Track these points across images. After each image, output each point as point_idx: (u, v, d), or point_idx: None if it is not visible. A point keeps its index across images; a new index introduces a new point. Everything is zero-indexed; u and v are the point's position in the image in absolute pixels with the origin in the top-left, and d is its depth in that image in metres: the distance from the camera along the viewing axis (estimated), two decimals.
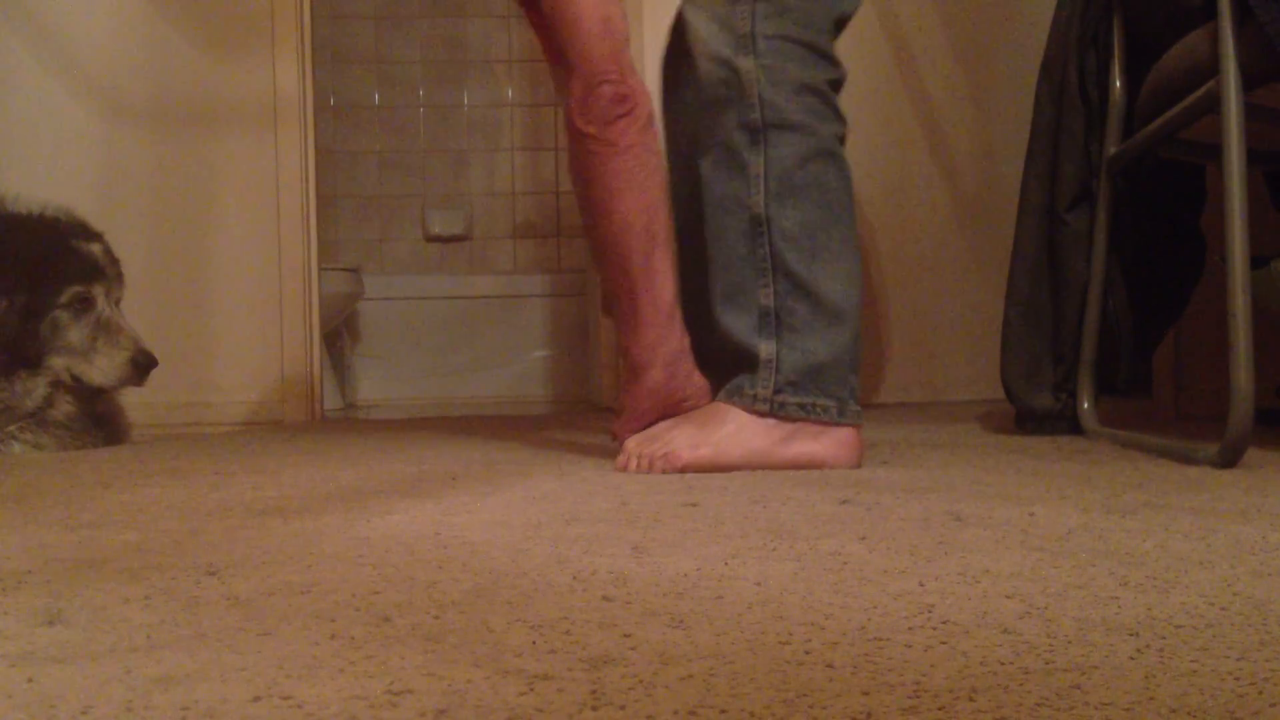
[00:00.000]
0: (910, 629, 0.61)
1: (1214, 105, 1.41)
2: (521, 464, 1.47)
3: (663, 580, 0.74)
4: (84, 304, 1.83)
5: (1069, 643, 0.58)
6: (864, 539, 0.88)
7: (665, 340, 1.49)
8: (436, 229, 4.10)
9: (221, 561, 0.81)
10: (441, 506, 1.08)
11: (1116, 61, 1.83)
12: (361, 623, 0.63)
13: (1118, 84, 1.83)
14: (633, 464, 1.41)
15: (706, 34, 1.46)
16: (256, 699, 0.50)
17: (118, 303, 1.90)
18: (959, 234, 2.83)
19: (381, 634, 0.61)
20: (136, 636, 0.61)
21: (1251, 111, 1.40)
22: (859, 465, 1.43)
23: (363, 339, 3.82)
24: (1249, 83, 1.38)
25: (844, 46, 1.54)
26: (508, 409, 3.11)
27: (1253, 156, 1.45)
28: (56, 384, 1.83)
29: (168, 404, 2.35)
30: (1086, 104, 1.88)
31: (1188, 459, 1.41)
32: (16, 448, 1.79)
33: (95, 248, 1.87)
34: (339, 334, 3.61)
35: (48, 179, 2.35)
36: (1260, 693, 0.50)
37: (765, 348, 1.43)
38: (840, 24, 1.51)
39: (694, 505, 1.07)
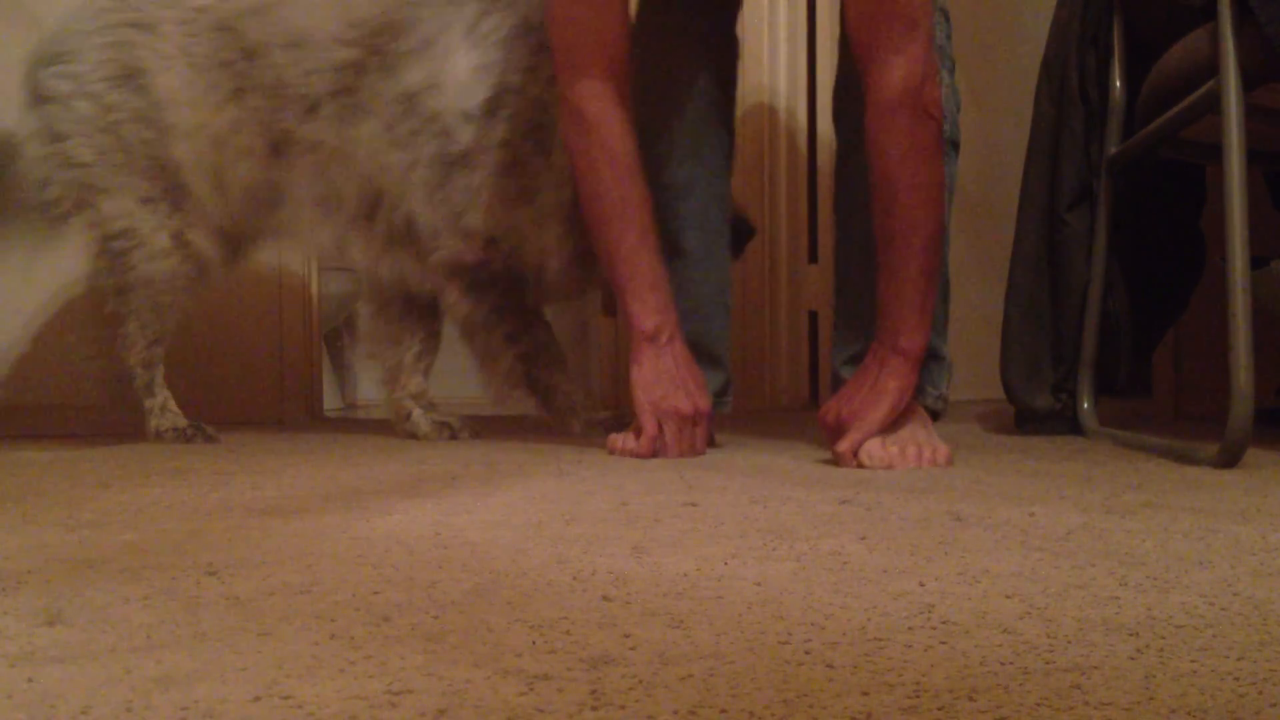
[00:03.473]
0: (910, 629, 0.61)
1: (1214, 105, 1.41)
2: (521, 464, 1.47)
3: (663, 580, 0.74)
4: None
5: (1069, 643, 0.58)
6: (864, 539, 0.88)
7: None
8: None
9: (221, 561, 0.81)
10: (441, 506, 1.08)
11: (1116, 61, 1.83)
12: (361, 623, 0.63)
13: (1118, 84, 1.83)
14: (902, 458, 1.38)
15: None
16: (256, 699, 0.50)
17: None
18: (959, 234, 2.82)
19: (381, 634, 0.61)
20: (136, 636, 0.61)
21: (1251, 111, 1.40)
22: None
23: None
24: (1249, 83, 1.38)
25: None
26: (507, 409, 3.10)
27: (1253, 156, 1.46)
28: None
29: None
30: (1086, 104, 1.88)
31: (1188, 459, 1.41)
32: None
33: None
34: (339, 334, 3.61)
35: None
36: (1260, 693, 0.50)
37: (943, 347, 1.62)
38: None
39: (694, 505, 1.07)
